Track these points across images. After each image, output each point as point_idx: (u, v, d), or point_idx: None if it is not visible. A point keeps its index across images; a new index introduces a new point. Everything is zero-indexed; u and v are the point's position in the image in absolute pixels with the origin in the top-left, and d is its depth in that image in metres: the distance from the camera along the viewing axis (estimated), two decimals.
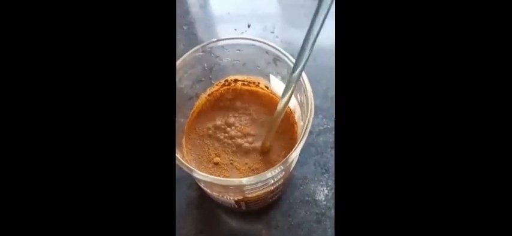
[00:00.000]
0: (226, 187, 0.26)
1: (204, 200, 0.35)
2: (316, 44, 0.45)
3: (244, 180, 0.25)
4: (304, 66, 0.24)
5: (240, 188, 0.26)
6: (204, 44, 0.29)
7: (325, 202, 0.34)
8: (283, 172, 0.26)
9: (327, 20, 0.21)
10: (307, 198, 0.34)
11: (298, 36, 0.45)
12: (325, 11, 0.20)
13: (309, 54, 0.23)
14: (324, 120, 0.38)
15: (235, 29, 0.44)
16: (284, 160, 0.25)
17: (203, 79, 0.33)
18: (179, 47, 0.43)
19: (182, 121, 0.32)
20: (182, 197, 0.35)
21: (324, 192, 0.35)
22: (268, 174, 0.25)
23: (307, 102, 0.27)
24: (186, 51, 0.42)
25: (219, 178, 0.25)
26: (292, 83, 0.25)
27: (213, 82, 0.34)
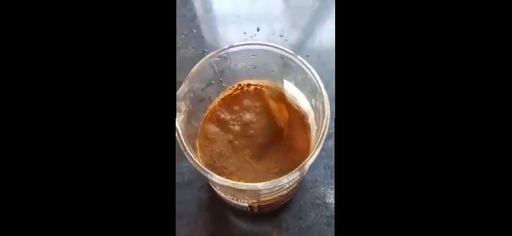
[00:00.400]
0: (243, 191, 0.27)
1: (215, 203, 0.35)
2: (323, 47, 0.45)
3: (260, 185, 0.25)
4: None
5: (256, 192, 0.27)
6: (220, 50, 0.29)
7: (335, 205, 0.35)
8: (299, 177, 0.26)
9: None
10: (317, 201, 0.35)
11: (305, 38, 0.45)
12: None
13: None
14: (333, 123, 0.38)
15: (244, 33, 0.44)
16: (301, 165, 0.25)
17: (213, 82, 0.33)
18: (189, 50, 0.43)
19: (196, 124, 0.32)
20: (193, 199, 0.35)
21: (334, 195, 0.35)
22: (285, 179, 0.25)
23: (324, 108, 0.27)
24: (196, 53, 0.43)
25: (236, 182, 0.25)
26: None
27: (224, 85, 0.34)
